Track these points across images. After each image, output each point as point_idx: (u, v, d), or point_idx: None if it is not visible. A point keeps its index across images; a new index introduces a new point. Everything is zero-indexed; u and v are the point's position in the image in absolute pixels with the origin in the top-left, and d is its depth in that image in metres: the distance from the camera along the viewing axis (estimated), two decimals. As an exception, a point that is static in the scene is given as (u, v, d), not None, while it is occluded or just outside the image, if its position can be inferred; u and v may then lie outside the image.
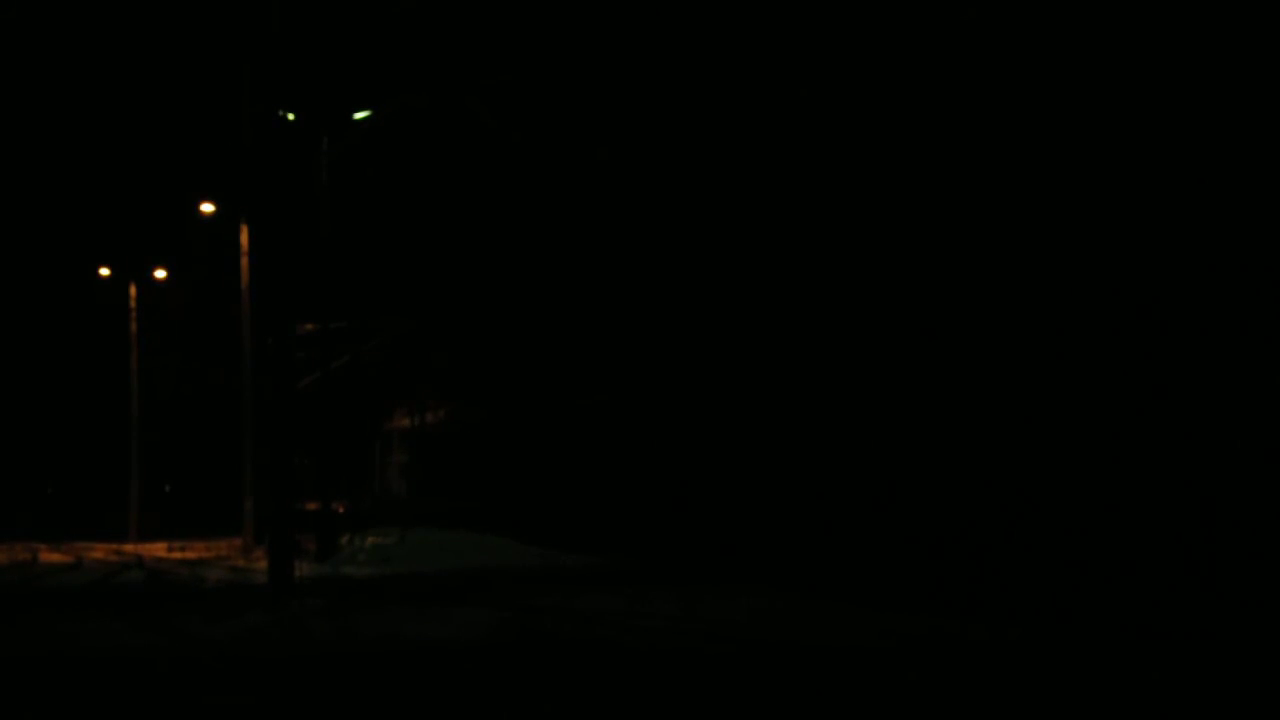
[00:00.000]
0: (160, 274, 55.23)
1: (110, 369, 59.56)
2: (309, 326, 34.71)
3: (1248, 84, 17.13)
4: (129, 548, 45.78)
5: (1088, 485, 18.40)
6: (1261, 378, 16.35)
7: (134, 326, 54.27)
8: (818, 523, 23.55)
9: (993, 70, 21.08)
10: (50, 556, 39.35)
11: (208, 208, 44.96)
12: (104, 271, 55.93)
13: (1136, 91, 18.56)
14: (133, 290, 54.43)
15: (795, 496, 24.23)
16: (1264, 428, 16.28)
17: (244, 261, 41.83)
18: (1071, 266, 19.38)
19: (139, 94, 61.10)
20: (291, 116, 26.51)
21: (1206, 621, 15.84)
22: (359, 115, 34.85)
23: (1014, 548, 19.34)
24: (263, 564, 27.05)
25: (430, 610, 19.53)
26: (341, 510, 36.12)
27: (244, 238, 41.92)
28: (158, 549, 43.27)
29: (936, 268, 22.20)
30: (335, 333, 36.27)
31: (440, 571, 27.83)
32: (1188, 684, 12.36)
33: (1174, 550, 17.20)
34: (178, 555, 39.28)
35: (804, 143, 26.35)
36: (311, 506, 33.62)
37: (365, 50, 38.23)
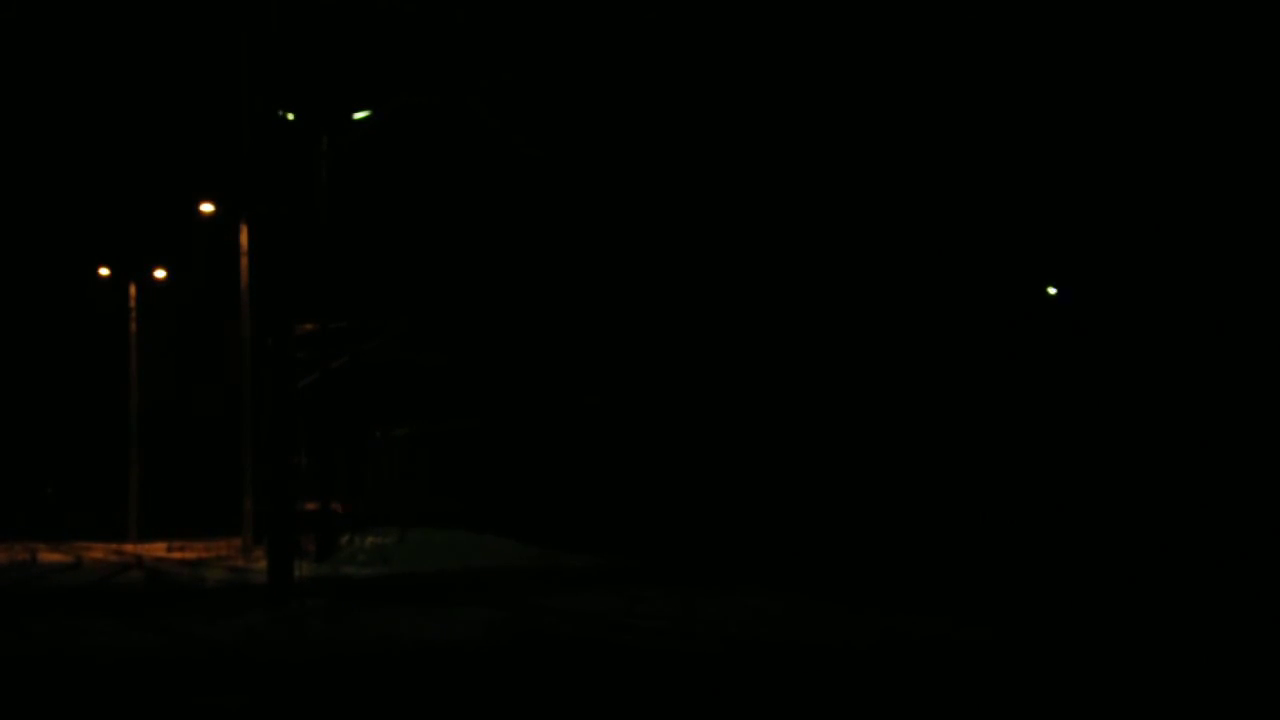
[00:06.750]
0: (160, 274, 55.21)
1: (110, 369, 59.54)
2: (309, 326, 34.69)
3: (1247, 84, 17.12)
4: (129, 548, 45.78)
5: (1086, 487, 18.40)
6: (1259, 380, 16.35)
7: (134, 327, 54.24)
8: (817, 523, 23.55)
9: (983, 71, 21.08)
10: (50, 556, 39.33)
11: (208, 208, 44.96)
12: (104, 271, 55.91)
13: (1131, 92, 18.56)
14: (133, 290, 54.42)
15: (794, 497, 24.23)
16: (1260, 429, 16.28)
17: (244, 261, 41.80)
18: (1069, 271, 19.39)
19: (139, 94, 61.12)
20: (291, 116, 26.51)
21: (1205, 621, 15.85)
22: (359, 115, 34.85)
23: (1012, 548, 19.34)
24: (263, 564, 27.02)
25: (430, 610, 19.52)
26: (339, 510, 36.04)
27: (244, 238, 41.90)
28: (157, 549, 43.27)
29: (934, 275, 22.21)
30: (335, 333, 36.25)
31: (440, 571, 27.82)
32: (1184, 684, 12.36)
33: (1171, 551, 17.20)
34: (177, 555, 39.28)
35: (804, 145, 26.33)
36: (311, 506, 33.59)
37: (365, 50, 38.23)
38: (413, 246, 44.72)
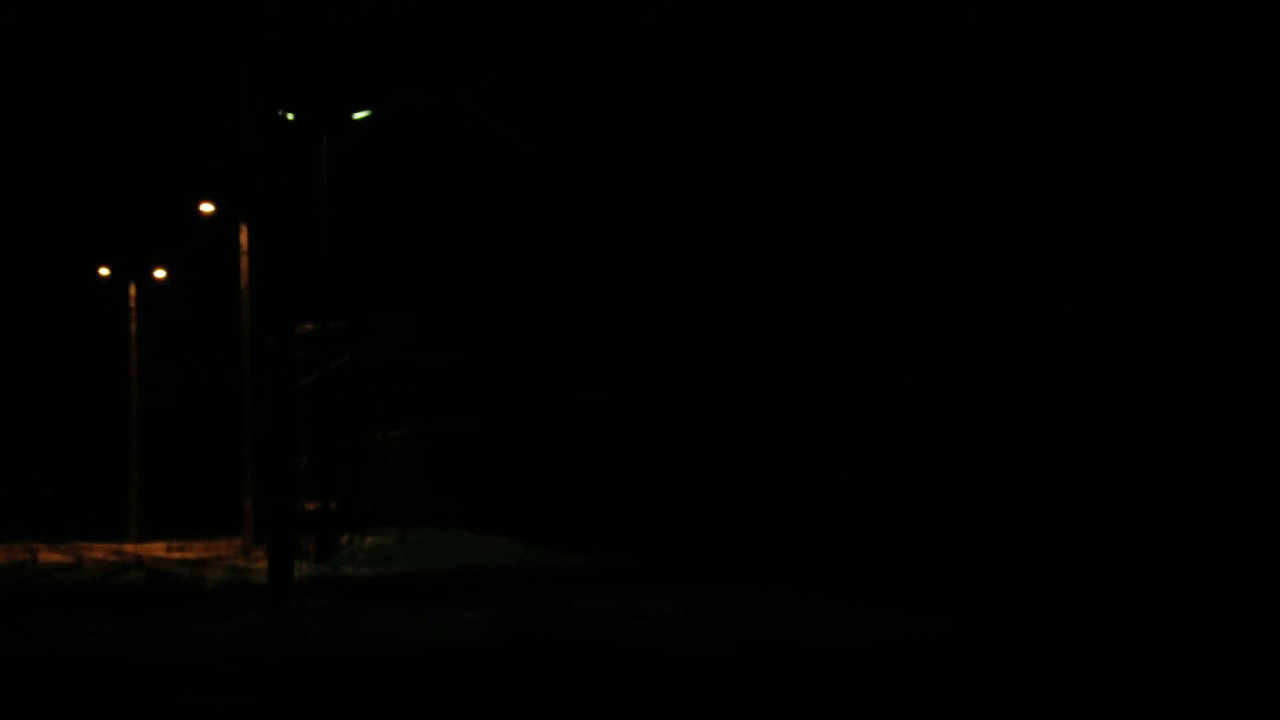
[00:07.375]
0: (160, 274, 55.22)
1: (110, 369, 59.58)
2: (309, 326, 34.72)
3: (1248, 84, 17.12)
4: (129, 548, 45.78)
5: (1085, 484, 18.41)
6: (1258, 377, 16.36)
7: (134, 326, 54.24)
8: (815, 522, 23.55)
9: (985, 70, 21.07)
10: (50, 556, 39.34)
11: (208, 208, 44.96)
12: (104, 271, 55.92)
13: (1133, 92, 18.55)
14: (133, 290, 54.42)
15: (792, 496, 24.23)
16: (1258, 427, 16.28)
17: (244, 261, 41.82)
18: (1066, 268, 19.38)
19: (139, 94, 61.18)
20: (291, 116, 26.54)
21: (1203, 621, 15.85)
22: (359, 115, 34.86)
23: (1011, 545, 19.35)
24: (263, 564, 27.04)
25: (429, 610, 19.53)
26: (334, 508, 36.00)
27: (244, 238, 41.92)
28: (157, 549, 43.27)
29: (931, 270, 22.21)
30: (335, 333, 36.26)
31: (440, 571, 27.82)
32: (1182, 684, 12.36)
33: (1168, 550, 17.20)
34: (177, 555, 39.28)
35: (801, 142, 26.33)
36: (311, 506, 33.61)
37: (365, 50, 38.23)
38: (412, 246, 44.75)
